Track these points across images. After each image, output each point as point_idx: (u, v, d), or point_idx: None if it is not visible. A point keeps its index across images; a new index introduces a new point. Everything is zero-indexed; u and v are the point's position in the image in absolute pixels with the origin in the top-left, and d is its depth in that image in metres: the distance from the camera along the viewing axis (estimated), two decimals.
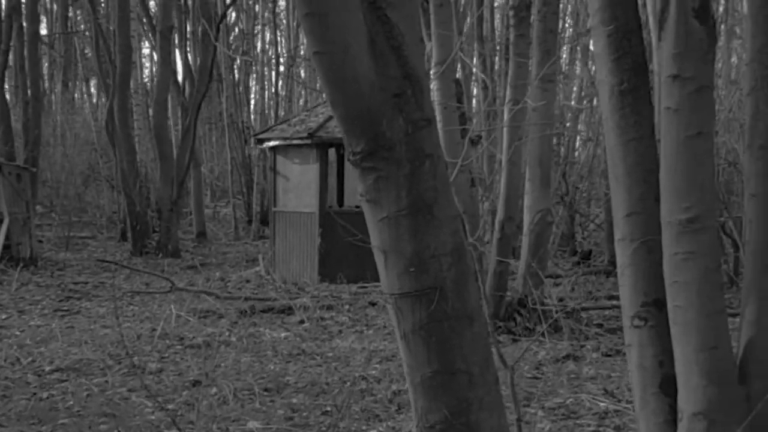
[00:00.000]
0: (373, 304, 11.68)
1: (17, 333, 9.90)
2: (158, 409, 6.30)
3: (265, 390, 7.08)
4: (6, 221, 15.88)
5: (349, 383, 7.30)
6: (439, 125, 10.87)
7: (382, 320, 10.61)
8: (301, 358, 8.63)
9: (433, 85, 11.51)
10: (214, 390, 7.00)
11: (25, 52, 21.49)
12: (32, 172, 18.43)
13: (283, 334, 9.85)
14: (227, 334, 9.82)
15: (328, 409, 6.47)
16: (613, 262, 14.58)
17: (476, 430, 2.60)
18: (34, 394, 7.15)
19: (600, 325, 10.42)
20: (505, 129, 10.81)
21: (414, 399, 2.66)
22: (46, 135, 27.36)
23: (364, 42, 2.35)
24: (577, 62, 24.56)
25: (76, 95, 38.46)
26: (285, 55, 31.63)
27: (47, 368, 8.10)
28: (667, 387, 2.98)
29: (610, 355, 8.79)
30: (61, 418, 6.33)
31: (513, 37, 10.61)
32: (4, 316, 11.15)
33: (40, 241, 20.01)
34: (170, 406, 6.58)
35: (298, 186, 14.92)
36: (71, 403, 6.76)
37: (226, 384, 7.10)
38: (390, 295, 2.59)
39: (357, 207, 15.38)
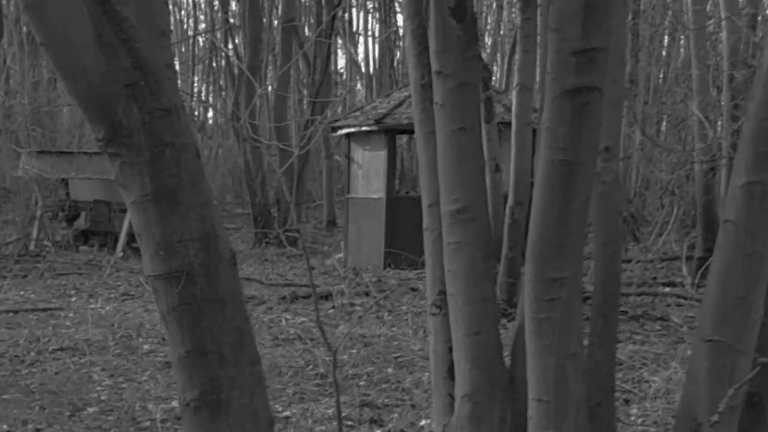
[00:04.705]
0: (414, 290, 11.57)
1: (71, 315, 10.19)
2: (110, 389, 6.57)
3: None
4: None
5: (310, 366, 7.46)
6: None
7: (408, 306, 10.59)
8: (295, 343, 8.76)
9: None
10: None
11: None
12: None
13: (301, 320, 9.87)
14: None
15: None
16: None
17: (227, 407, 2.72)
18: (18, 370, 7.49)
19: (624, 312, 9.79)
20: (513, 114, 10.66)
21: (175, 377, 2.80)
22: None
23: (89, 34, 2.46)
24: None
25: None
26: None
27: (52, 347, 8.44)
28: (453, 372, 3.05)
29: (620, 341, 7.98)
30: (11, 393, 6.62)
31: (519, 21, 10.50)
32: (74, 299, 11.49)
33: None
34: (124, 386, 6.84)
35: (368, 172, 15.15)
36: (32, 380, 7.05)
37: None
38: (147, 276, 2.73)
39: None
